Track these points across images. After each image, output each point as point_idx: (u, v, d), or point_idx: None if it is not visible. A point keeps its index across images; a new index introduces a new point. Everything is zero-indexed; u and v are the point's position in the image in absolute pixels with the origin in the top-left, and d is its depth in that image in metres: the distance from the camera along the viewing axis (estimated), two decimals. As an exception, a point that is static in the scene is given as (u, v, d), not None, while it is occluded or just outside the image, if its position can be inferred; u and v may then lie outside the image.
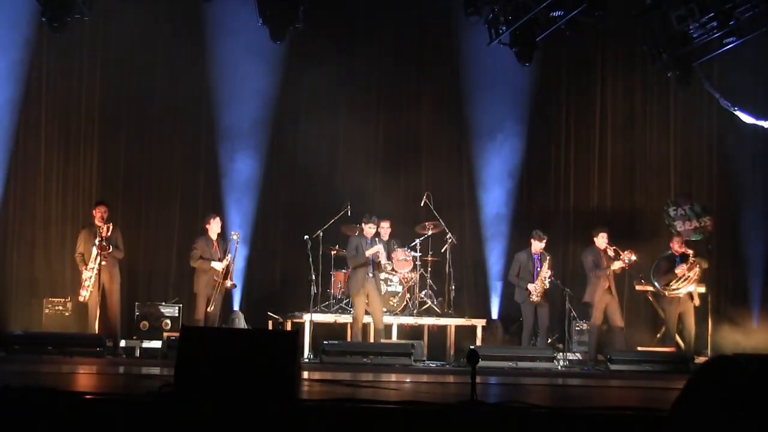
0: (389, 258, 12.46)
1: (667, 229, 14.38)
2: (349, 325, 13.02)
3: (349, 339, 12.78)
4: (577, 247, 14.14)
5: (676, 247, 12.89)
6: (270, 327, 13.12)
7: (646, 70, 14.16)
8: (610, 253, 12.40)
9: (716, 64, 13.60)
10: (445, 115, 14.96)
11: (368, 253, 12.20)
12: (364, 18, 14.54)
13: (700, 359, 12.43)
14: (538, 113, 14.90)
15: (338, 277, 13.35)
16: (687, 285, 12.66)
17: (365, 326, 12.52)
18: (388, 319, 12.82)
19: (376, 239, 12.30)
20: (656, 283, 12.91)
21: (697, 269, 12.69)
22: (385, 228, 12.38)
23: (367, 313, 12.35)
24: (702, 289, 13.40)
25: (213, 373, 5.19)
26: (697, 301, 12.90)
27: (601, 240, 12.51)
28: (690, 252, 12.77)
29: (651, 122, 15.18)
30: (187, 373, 5.23)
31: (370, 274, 12.18)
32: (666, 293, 12.77)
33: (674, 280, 12.67)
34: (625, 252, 12.36)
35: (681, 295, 12.70)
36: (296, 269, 13.57)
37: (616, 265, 12.39)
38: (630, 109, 15.23)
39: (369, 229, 12.30)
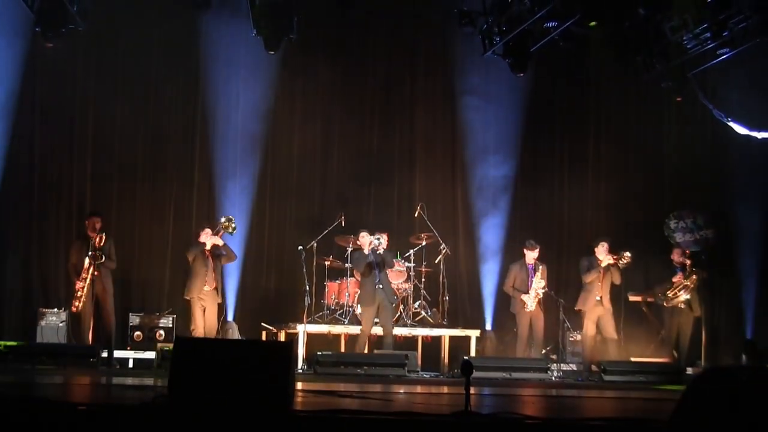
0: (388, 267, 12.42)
1: (661, 240, 14.38)
2: (343, 336, 13.00)
3: (343, 350, 12.76)
4: (570, 257, 14.13)
5: (677, 257, 12.91)
6: (264, 337, 13.08)
7: (640, 81, 14.16)
8: (610, 261, 12.37)
9: (710, 74, 13.61)
10: (439, 125, 14.99)
11: (367, 249, 12.15)
12: (358, 28, 14.53)
13: (694, 370, 12.44)
14: (532, 123, 14.90)
15: (332, 288, 13.33)
16: (684, 293, 12.66)
17: (370, 337, 12.49)
18: (380, 329, 12.76)
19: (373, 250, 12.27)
20: (658, 294, 12.92)
21: (694, 278, 12.69)
22: (383, 240, 12.33)
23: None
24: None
25: (207, 384, 5.18)
26: (698, 311, 12.90)
27: (601, 250, 12.46)
28: (689, 262, 12.78)
29: (645, 132, 15.20)
30: (181, 384, 5.23)
31: (380, 286, 12.14)
32: (664, 303, 12.77)
33: (671, 288, 12.68)
34: (623, 253, 12.34)
35: (681, 305, 12.71)
36: (290, 280, 13.58)
37: (606, 260, 12.32)
38: (624, 119, 15.26)
39: (364, 240, 12.28)
